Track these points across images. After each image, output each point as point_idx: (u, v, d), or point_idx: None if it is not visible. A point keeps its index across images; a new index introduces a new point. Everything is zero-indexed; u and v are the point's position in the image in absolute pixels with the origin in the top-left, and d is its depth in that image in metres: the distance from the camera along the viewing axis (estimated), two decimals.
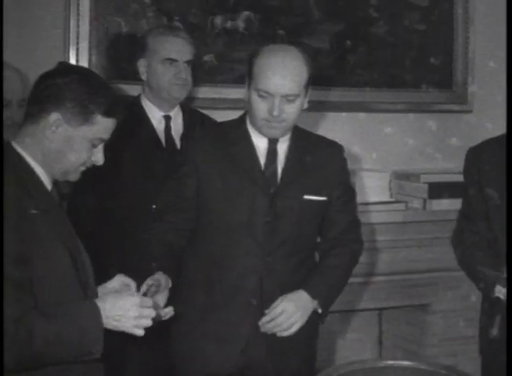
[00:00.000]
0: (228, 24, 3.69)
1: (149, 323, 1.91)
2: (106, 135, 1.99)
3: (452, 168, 4.08)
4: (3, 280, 1.76)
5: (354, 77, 3.94)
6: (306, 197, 2.46)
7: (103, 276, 2.13)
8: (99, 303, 1.88)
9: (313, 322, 2.48)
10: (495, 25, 4.12)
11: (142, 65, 3.04)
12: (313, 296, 2.42)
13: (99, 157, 2.00)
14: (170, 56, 3.01)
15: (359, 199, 3.71)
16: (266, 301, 2.41)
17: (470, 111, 4.23)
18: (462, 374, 2.87)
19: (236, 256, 2.43)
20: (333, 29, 3.89)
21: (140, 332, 1.90)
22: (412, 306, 4.02)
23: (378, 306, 3.90)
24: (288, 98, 2.34)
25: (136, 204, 2.95)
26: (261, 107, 2.35)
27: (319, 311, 2.46)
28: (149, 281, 2.22)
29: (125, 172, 2.97)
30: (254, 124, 2.43)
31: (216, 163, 2.44)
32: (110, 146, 2.94)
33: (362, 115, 4.02)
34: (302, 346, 2.51)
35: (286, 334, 2.39)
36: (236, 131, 2.48)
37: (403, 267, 3.84)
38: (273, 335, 2.41)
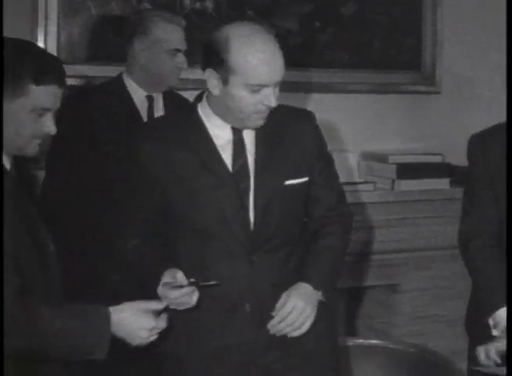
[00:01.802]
0: (197, 5, 3.68)
1: (154, 338, 2.00)
2: (49, 104, 1.90)
3: (420, 149, 4.12)
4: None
5: (323, 57, 3.93)
6: (287, 182, 2.25)
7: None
8: (114, 312, 1.93)
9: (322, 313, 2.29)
10: (464, 6, 4.15)
11: (138, 48, 3.02)
12: (316, 287, 2.23)
13: (49, 127, 1.92)
14: (176, 46, 3.03)
15: None
16: (261, 304, 2.23)
17: (438, 92, 4.25)
18: (430, 352, 2.92)
19: (217, 260, 2.22)
20: (303, 10, 3.88)
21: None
22: (381, 286, 4.06)
23: (347, 286, 3.92)
24: (277, 84, 2.16)
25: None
26: (252, 102, 2.13)
27: (324, 300, 2.27)
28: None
29: (106, 151, 2.96)
30: (229, 118, 2.21)
31: (176, 165, 2.21)
32: (91, 124, 2.87)
33: (330, 96, 4.02)
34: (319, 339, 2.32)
35: (298, 333, 2.19)
36: (189, 124, 2.25)
37: (372, 247, 3.87)
38: (284, 339, 2.22)
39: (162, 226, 2.30)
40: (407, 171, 3.90)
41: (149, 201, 2.27)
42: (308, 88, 3.91)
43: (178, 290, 2.07)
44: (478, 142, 2.54)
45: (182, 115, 2.32)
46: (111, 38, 3.48)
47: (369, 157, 4.02)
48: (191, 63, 3.07)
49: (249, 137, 2.26)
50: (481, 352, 2.29)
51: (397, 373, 2.91)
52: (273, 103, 2.14)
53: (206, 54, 2.17)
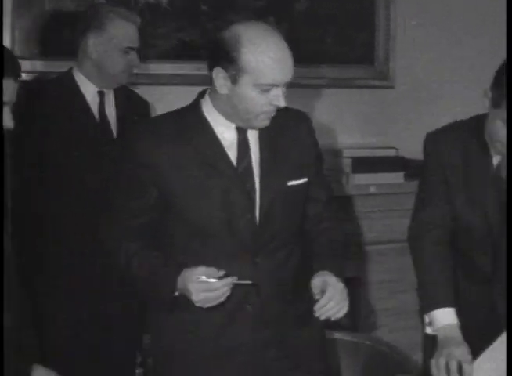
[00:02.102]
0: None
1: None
2: (6, 98, 1.89)
3: (374, 143, 4.15)
4: None
5: None
6: (290, 183, 2.25)
7: None
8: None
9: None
10: (417, 0, 4.20)
11: (91, 43, 2.99)
12: (338, 276, 2.20)
13: (6, 121, 1.91)
14: (130, 44, 3.01)
15: None
16: (262, 305, 2.23)
17: (391, 87, 4.29)
18: (385, 345, 2.94)
19: (221, 261, 2.16)
20: (256, 4, 3.90)
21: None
22: None
23: None
24: (286, 84, 2.14)
25: (69, 177, 2.97)
26: (261, 102, 2.10)
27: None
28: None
29: (56, 145, 2.96)
30: (234, 118, 2.17)
31: (180, 164, 2.16)
32: (41, 120, 2.86)
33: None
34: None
35: (341, 314, 2.14)
36: (193, 123, 2.20)
37: None
38: (283, 338, 2.27)
39: (160, 228, 2.27)
40: (361, 165, 3.92)
41: (148, 203, 2.22)
42: None
43: (218, 282, 2.07)
44: (433, 141, 2.54)
45: (185, 113, 2.25)
46: (65, 34, 3.44)
47: (323, 151, 4.01)
48: (143, 59, 3.07)
49: (253, 137, 2.23)
50: (433, 367, 2.28)
51: (352, 365, 2.92)
52: (282, 104, 2.12)
53: (214, 52, 2.12)
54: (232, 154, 2.20)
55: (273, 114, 2.16)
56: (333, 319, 2.14)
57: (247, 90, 2.09)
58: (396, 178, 4.01)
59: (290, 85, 3.99)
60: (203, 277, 2.07)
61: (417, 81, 4.29)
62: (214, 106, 2.19)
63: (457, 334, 2.35)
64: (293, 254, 2.31)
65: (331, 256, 2.29)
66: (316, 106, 4.09)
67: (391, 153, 4.10)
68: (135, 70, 3.10)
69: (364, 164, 3.92)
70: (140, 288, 2.29)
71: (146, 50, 3.57)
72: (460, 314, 2.43)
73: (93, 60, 3.01)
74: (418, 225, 2.53)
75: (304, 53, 3.99)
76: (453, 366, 2.24)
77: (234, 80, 2.09)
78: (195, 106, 2.23)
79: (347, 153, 3.94)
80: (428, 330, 2.40)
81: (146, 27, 3.53)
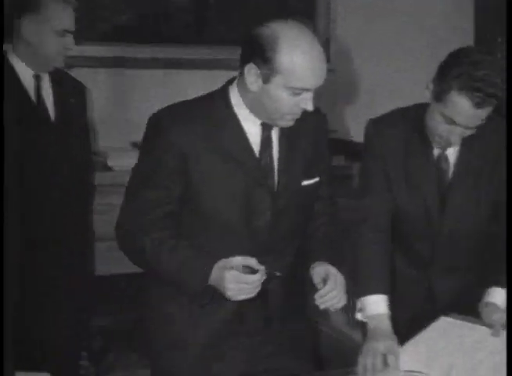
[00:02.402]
0: None
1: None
2: None
3: None
4: None
5: (213, 34, 3.94)
6: (305, 182, 2.25)
7: None
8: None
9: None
10: None
11: (26, 26, 2.94)
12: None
13: None
14: (66, 27, 2.96)
15: None
16: (267, 301, 2.23)
17: (331, 70, 4.29)
18: None
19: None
20: None
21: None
22: None
23: None
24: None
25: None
26: (289, 104, 2.07)
27: None
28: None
29: None
30: (261, 114, 2.14)
31: (205, 153, 2.12)
32: None
33: (223, 73, 4.02)
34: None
35: (341, 305, 2.17)
36: (222, 115, 2.16)
37: None
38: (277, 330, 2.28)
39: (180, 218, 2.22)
40: None
41: (175, 193, 2.16)
42: (196, 64, 3.91)
43: (255, 275, 2.05)
44: (375, 128, 2.53)
45: (213, 101, 2.19)
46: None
47: None
48: (79, 41, 3.03)
49: (274, 134, 2.21)
50: (360, 365, 2.25)
51: None
52: (310, 108, 2.09)
53: (249, 49, 2.08)
54: (256, 149, 2.18)
55: (299, 116, 2.13)
56: (332, 309, 2.17)
57: (278, 91, 2.06)
58: (337, 160, 4.03)
59: (231, 67, 4.01)
60: (240, 270, 2.06)
61: (357, 65, 4.32)
62: (243, 99, 2.15)
63: (386, 325, 2.33)
64: (291, 248, 2.31)
65: (330, 249, 2.31)
66: None
67: (332, 135, 4.11)
68: (71, 53, 3.06)
69: None
70: (169, 278, 2.18)
71: (82, 32, 3.53)
72: (398, 298, 2.46)
73: (28, 43, 2.97)
74: (359, 211, 2.52)
75: (241, 34, 4.00)
76: (378, 365, 2.22)
77: (266, 79, 2.06)
78: (224, 96, 2.18)
79: None
80: (359, 316, 2.39)
81: (82, 9, 3.49)
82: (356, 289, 2.40)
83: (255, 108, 2.14)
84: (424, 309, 2.54)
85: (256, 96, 2.11)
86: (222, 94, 2.18)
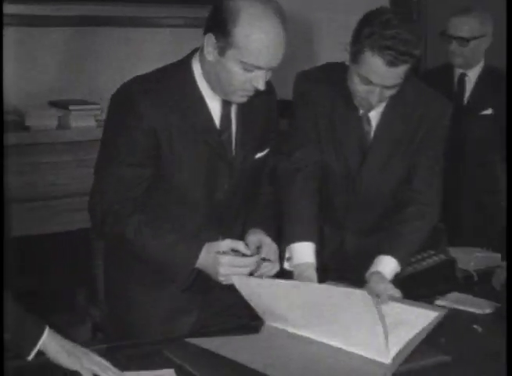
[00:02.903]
0: None
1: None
2: None
3: None
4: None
5: None
6: (258, 155, 2.37)
7: None
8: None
9: None
10: None
11: None
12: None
13: None
14: None
15: None
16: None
17: None
18: None
19: (198, 232, 2.26)
20: None
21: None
22: None
23: None
24: (273, 68, 2.16)
25: None
26: (242, 79, 2.13)
27: None
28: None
29: None
30: (215, 87, 2.20)
31: (173, 128, 2.19)
32: None
33: (143, 30, 4.02)
34: None
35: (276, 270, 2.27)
36: (187, 90, 2.21)
37: None
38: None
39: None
40: None
41: (150, 171, 2.21)
42: (118, 22, 3.90)
43: (251, 258, 2.12)
44: (304, 81, 2.56)
45: (176, 73, 2.24)
46: None
47: None
48: None
49: (233, 111, 2.29)
50: None
51: None
52: (261, 87, 2.14)
53: (211, 19, 2.13)
54: (217, 125, 2.26)
55: (251, 93, 2.18)
56: (264, 277, 2.22)
57: (232, 64, 2.11)
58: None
59: (152, 25, 4.00)
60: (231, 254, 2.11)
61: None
62: (202, 71, 2.21)
63: (311, 274, 2.37)
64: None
65: (267, 218, 2.40)
66: (178, 47, 4.08)
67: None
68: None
69: None
70: (154, 263, 2.21)
71: None
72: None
73: None
74: (290, 163, 2.55)
75: None
76: None
77: (222, 51, 2.11)
78: (187, 68, 2.23)
79: None
80: (286, 265, 2.43)
81: None
82: (285, 237, 2.44)
83: (212, 81, 2.20)
84: (336, 259, 2.65)
85: (212, 67, 2.16)
86: (186, 66, 2.24)
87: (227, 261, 2.11)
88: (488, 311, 2.45)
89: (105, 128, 2.26)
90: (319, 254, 2.47)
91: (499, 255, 2.96)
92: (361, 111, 2.49)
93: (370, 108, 2.45)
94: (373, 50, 2.25)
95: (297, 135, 2.58)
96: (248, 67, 2.10)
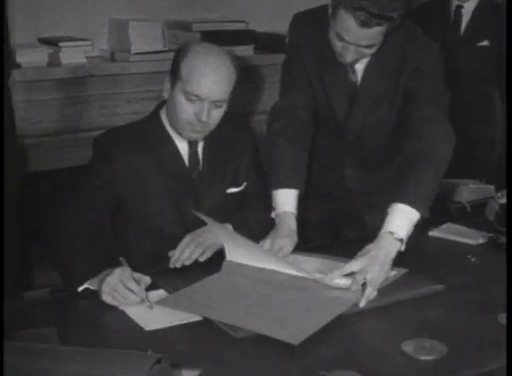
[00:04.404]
0: None
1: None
2: None
3: (223, 17, 4.15)
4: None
5: None
6: (228, 191, 2.46)
7: None
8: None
9: None
10: None
11: None
12: None
13: None
14: None
15: (135, 49, 3.74)
16: None
17: None
18: None
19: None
20: None
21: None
22: None
23: None
24: (217, 103, 2.27)
25: None
26: (187, 110, 2.27)
27: None
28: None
29: None
30: (173, 125, 2.35)
31: (140, 169, 2.33)
32: None
33: None
34: None
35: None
36: (156, 133, 2.38)
37: None
38: None
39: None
40: (211, 38, 3.90)
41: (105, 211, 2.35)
42: None
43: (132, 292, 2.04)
44: (297, 24, 2.53)
45: (147, 124, 2.41)
46: None
47: (173, 25, 4.02)
48: None
49: (200, 150, 2.41)
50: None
51: None
52: (204, 118, 2.25)
53: (172, 61, 2.32)
54: (187, 164, 2.39)
55: (199, 129, 2.30)
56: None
57: (178, 95, 2.27)
58: (246, 51, 4.04)
59: None
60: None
61: None
62: (167, 115, 2.38)
63: (291, 223, 2.37)
64: None
65: None
66: None
67: (241, 26, 4.12)
68: None
69: (214, 38, 3.90)
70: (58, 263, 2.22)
71: None
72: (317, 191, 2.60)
73: None
74: (278, 107, 2.54)
75: None
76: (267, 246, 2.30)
77: (172, 84, 2.30)
78: (155, 117, 2.41)
79: (196, 27, 3.93)
80: (272, 215, 2.42)
81: None
82: (270, 183, 2.43)
83: (170, 120, 2.35)
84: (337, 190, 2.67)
85: (168, 104, 2.34)
86: (154, 115, 2.42)
87: (118, 276, 2.03)
88: (481, 241, 2.47)
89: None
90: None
91: (492, 187, 2.98)
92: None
93: (347, 64, 2.40)
94: (347, 9, 2.18)
95: (287, 81, 2.56)
96: (190, 97, 2.25)
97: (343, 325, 1.92)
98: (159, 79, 3.75)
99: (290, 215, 2.38)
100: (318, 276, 2.12)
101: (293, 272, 2.16)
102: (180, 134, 2.35)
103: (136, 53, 3.77)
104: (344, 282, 2.07)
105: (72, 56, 3.70)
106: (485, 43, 3.98)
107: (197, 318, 1.93)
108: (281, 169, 2.43)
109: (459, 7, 4.04)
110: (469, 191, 2.95)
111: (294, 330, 1.84)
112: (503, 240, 2.38)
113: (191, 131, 2.32)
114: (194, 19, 4.03)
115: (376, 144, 2.59)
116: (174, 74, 2.29)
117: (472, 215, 2.83)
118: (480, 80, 4.06)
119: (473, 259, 2.33)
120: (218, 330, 1.87)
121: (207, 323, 1.91)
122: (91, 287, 2.04)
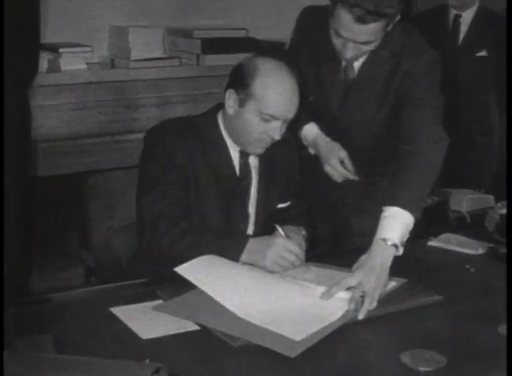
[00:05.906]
0: None
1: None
2: None
3: (224, 24, 4.15)
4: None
5: None
6: (279, 206, 2.49)
7: None
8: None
9: None
10: None
11: None
12: None
13: None
14: None
15: (135, 55, 3.74)
16: None
17: None
18: None
19: None
20: None
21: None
22: None
23: None
24: (287, 120, 2.27)
25: None
26: (260, 129, 2.25)
27: None
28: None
29: None
30: (235, 138, 2.33)
31: (196, 170, 2.31)
32: None
33: None
34: None
35: None
36: (211, 134, 2.35)
37: None
38: None
39: None
40: (212, 46, 3.93)
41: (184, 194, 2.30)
42: None
43: (301, 250, 2.20)
44: (304, 17, 2.58)
45: (203, 123, 2.37)
46: None
47: (173, 32, 4.02)
48: None
49: (253, 163, 2.40)
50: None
51: None
52: (277, 137, 2.26)
53: (232, 76, 2.28)
54: (237, 172, 2.37)
55: (268, 145, 2.30)
56: None
57: (250, 115, 2.24)
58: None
59: None
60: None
61: None
62: (224, 123, 2.34)
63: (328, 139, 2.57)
64: None
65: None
66: None
67: (242, 33, 4.12)
68: None
69: (214, 45, 3.93)
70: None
71: None
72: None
73: None
74: None
75: None
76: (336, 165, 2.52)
77: (242, 103, 2.24)
78: (212, 119, 2.36)
79: (197, 34, 3.93)
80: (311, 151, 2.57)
81: None
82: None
83: (232, 133, 2.32)
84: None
85: (232, 120, 2.29)
86: (211, 116, 2.37)
87: (283, 243, 2.16)
88: (480, 251, 2.46)
89: (141, 165, 2.37)
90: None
91: (491, 197, 2.97)
92: (343, 62, 2.49)
93: (346, 61, 2.45)
94: (344, 5, 2.23)
95: None
96: (266, 117, 2.22)
97: (342, 336, 1.90)
98: (159, 86, 3.82)
99: (321, 135, 2.60)
100: (319, 289, 2.10)
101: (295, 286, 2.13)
102: (244, 148, 2.33)
103: (136, 60, 3.77)
104: (343, 295, 2.06)
105: (72, 62, 3.69)
106: (483, 53, 3.98)
107: (195, 327, 1.92)
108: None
109: (458, 16, 4.05)
110: (468, 201, 2.94)
111: (291, 343, 1.83)
112: (503, 250, 2.37)
113: (258, 148, 2.32)
114: (195, 26, 4.03)
115: (366, 143, 2.61)
116: (244, 91, 2.23)
117: (471, 225, 2.82)
118: (477, 89, 4.06)
119: (472, 269, 2.33)
120: (216, 339, 1.86)
121: (204, 331, 1.90)
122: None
